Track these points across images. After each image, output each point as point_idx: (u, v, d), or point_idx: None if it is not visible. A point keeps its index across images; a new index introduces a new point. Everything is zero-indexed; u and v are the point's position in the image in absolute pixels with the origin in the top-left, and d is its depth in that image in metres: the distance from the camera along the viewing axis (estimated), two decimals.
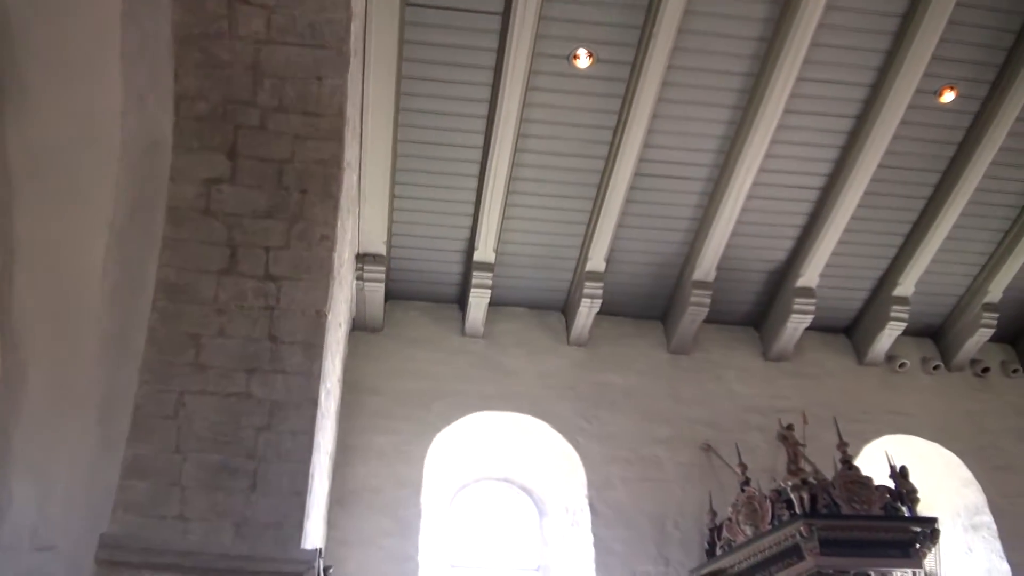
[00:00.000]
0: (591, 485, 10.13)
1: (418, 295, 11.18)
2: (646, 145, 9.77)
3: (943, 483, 11.12)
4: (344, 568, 8.60)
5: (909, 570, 8.58)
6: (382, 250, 10.27)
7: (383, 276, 10.34)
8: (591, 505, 10.00)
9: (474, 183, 10.06)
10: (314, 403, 7.39)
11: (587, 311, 10.81)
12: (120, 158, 7.62)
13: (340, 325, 9.12)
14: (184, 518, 6.70)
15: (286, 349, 7.42)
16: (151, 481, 6.80)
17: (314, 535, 7.67)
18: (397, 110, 9.21)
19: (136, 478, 6.78)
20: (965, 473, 11.24)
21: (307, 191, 7.69)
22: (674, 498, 10.04)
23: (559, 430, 10.44)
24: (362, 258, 10.24)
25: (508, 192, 10.03)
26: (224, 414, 7.18)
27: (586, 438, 10.42)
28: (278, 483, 6.98)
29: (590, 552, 9.72)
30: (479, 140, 9.69)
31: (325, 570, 7.38)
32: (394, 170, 9.76)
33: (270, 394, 7.31)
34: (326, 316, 7.56)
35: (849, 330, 12.01)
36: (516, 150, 9.70)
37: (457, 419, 10.32)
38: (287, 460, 7.10)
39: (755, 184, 10.10)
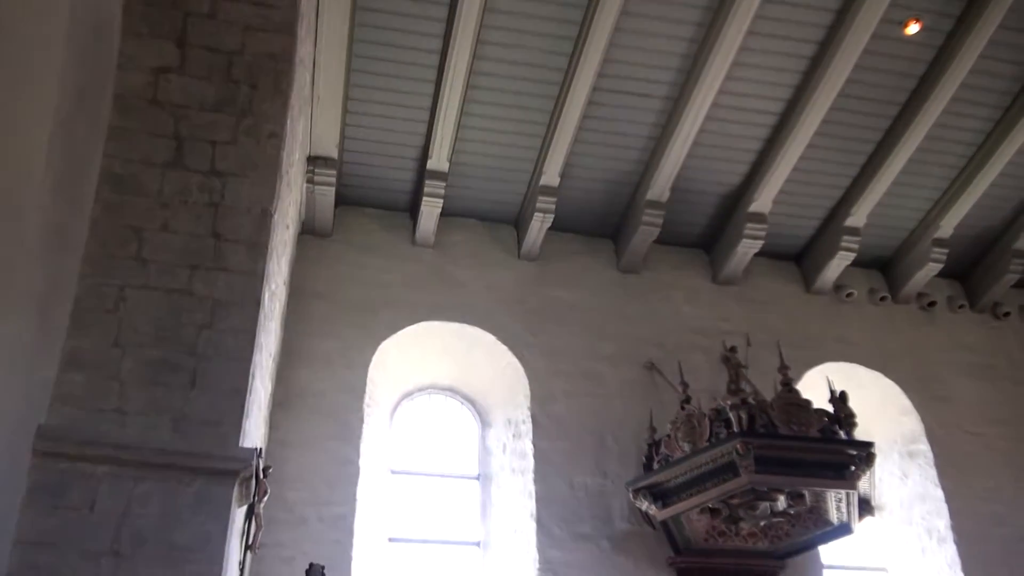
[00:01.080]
0: (534, 398, 10.20)
1: (369, 201, 11.04)
2: (606, 60, 9.64)
3: (882, 411, 11.32)
4: (284, 470, 8.61)
5: (843, 491, 8.81)
6: (334, 154, 10.10)
7: (334, 180, 10.19)
8: (533, 417, 10.08)
9: (431, 89, 9.89)
10: (257, 303, 7.30)
11: (539, 225, 10.77)
12: (67, 38, 7.36)
13: (287, 227, 8.99)
14: (122, 412, 6.64)
15: (230, 247, 7.31)
16: (90, 374, 6.72)
17: (254, 435, 7.65)
18: (354, 8, 8.97)
19: (75, 371, 6.69)
20: (905, 402, 11.45)
21: (257, 86, 7.51)
22: (615, 414, 10.14)
23: (505, 343, 10.46)
24: (313, 161, 10.06)
25: (464, 100, 9.86)
26: (165, 310, 7.10)
27: (531, 352, 10.45)
28: (218, 381, 6.93)
29: (530, 463, 9.83)
30: (437, 44, 9.50)
31: (264, 470, 7.37)
32: (349, 71, 9.56)
33: (213, 292, 7.22)
34: (272, 215, 7.43)
35: (799, 258, 12.08)
36: (475, 57, 9.53)
37: (403, 327, 10.29)
38: (228, 358, 7.03)
39: (714, 105, 10.04)
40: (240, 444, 6.80)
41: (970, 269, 12.46)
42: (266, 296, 7.64)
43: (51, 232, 7.44)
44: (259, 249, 7.35)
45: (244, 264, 7.35)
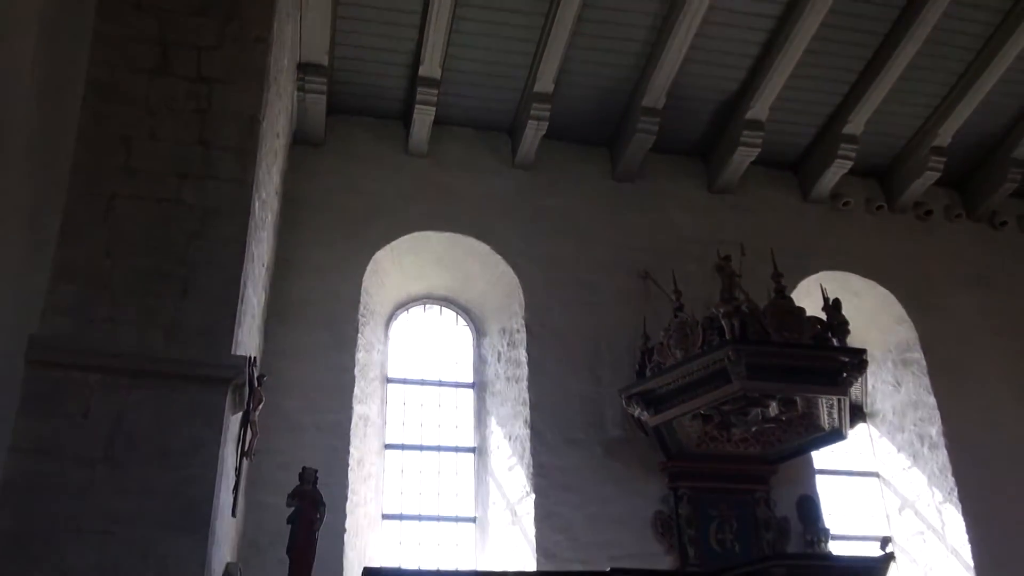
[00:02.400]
0: (529, 307, 10.21)
1: (361, 110, 10.88)
2: None
3: (877, 320, 11.36)
4: (280, 378, 8.63)
5: (834, 398, 8.85)
6: (324, 60, 9.93)
7: (325, 88, 10.04)
8: (527, 326, 10.11)
9: None
10: (247, 212, 7.27)
11: (533, 133, 10.64)
12: None
13: (278, 135, 8.89)
14: (114, 321, 6.66)
15: (218, 155, 7.25)
16: (81, 284, 6.72)
17: (247, 344, 7.67)
18: None
19: (66, 281, 6.70)
20: (899, 311, 11.47)
21: None
22: (609, 322, 10.16)
23: (499, 252, 10.44)
24: (303, 68, 9.90)
25: (456, 4, 9.63)
26: (155, 219, 7.07)
27: (526, 260, 10.43)
28: (209, 290, 6.93)
29: (524, 371, 9.89)
30: None
31: (259, 379, 7.41)
32: None
33: (202, 200, 7.18)
34: (260, 123, 7.34)
35: (795, 166, 11.96)
36: None
37: (397, 237, 10.26)
38: (219, 267, 7.03)
39: (711, 9, 9.80)
40: (232, 352, 6.82)
41: (968, 178, 12.34)
42: (256, 205, 7.59)
43: (39, 143, 7.34)
44: (248, 157, 7.28)
45: (233, 172, 7.30)
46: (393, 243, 10.24)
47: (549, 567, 8.64)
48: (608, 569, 7.61)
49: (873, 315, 11.26)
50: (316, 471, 6.59)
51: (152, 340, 6.64)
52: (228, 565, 6.85)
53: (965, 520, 10.23)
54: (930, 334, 11.30)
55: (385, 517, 9.53)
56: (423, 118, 10.42)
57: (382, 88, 10.67)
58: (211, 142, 7.30)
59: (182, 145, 7.30)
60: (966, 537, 10.17)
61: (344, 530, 8.61)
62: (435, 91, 10.23)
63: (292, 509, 6.40)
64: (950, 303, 11.53)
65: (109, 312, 6.68)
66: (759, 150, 11.03)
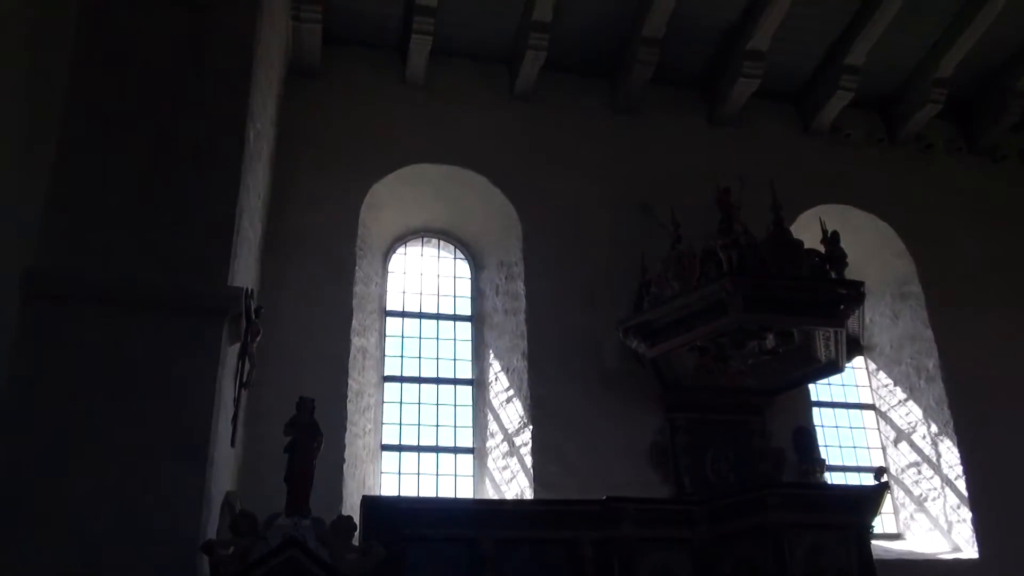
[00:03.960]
0: (527, 240, 10.19)
1: (358, 39, 10.69)
2: None
3: (876, 253, 11.34)
4: (278, 311, 8.62)
5: (831, 330, 8.85)
6: None
7: (320, 17, 9.85)
8: (525, 259, 10.10)
9: None
10: (241, 142, 7.24)
11: (531, 63, 10.51)
12: None
13: (272, 65, 8.78)
14: (109, 253, 6.65)
15: (212, 84, 7.19)
16: (75, 217, 6.71)
17: (244, 276, 7.66)
18: None
19: (60, 213, 6.67)
20: (898, 245, 11.46)
21: None
22: (607, 255, 10.12)
23: (498, 185, 10.38)
24: None
25: None
26: (149, 149, 7.02)
27: (524, 193, 10.38)
28: (204, 221, 6.93)
29: (522, 304, 9.91)
30: None
31: (256, 310, 7.41)
32: None
33: (196, 130, 7.13)
34: (254, 51, 7.26)
35: (797, 98, 11.84)
36: None
37: (394, 170, 10.19)
38: (213, 198, 7.02)
39: None
40: (229, 283, 6.82)
41: (970, 110, 12.21)
42: (251, 135, 7.53)
43: (31, 74, 7.26)
44: (242, 86, 7.23)
45: (227, 102, 7.26)
46: (390, 175, 10.17)
47: (546, 497, 8.72)
48: (604, 498, 7.67)
49: (872, 249, 11.24)
50: (313, 400, 6.60)
51: (148, 271, 6.64)
52: (228, 493, 6.91)
53: (960, 452, 10.33)
54: (929, 268, 11.30)
55: (384, 448, 9.59)
56: (420, 48, 10.28)
57: (378, 17, 10.49)
58: (205, 71, 7.23)
59: (175, 74, 7.24)
60: (961, 468, 10.28)
61: (343, 461, 8.70)
62: (432, 20, 10.07)
63: (290, 439, 6.43)
64: (949, 237, 11.51)
65: (104, 244, 6.68)
66: (760, 81, 10.90)
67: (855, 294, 8.74)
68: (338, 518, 6.09)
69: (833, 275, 8.79)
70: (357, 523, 6.39)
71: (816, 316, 8.68)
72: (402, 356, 10.12)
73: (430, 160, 10.37)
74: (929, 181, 11.89)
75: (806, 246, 8.97)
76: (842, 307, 8.72)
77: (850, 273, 9.01)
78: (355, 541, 6.25)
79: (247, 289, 7.10)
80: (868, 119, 12.01)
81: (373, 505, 7.41)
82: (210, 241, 6.85)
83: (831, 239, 8.96)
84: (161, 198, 6.90)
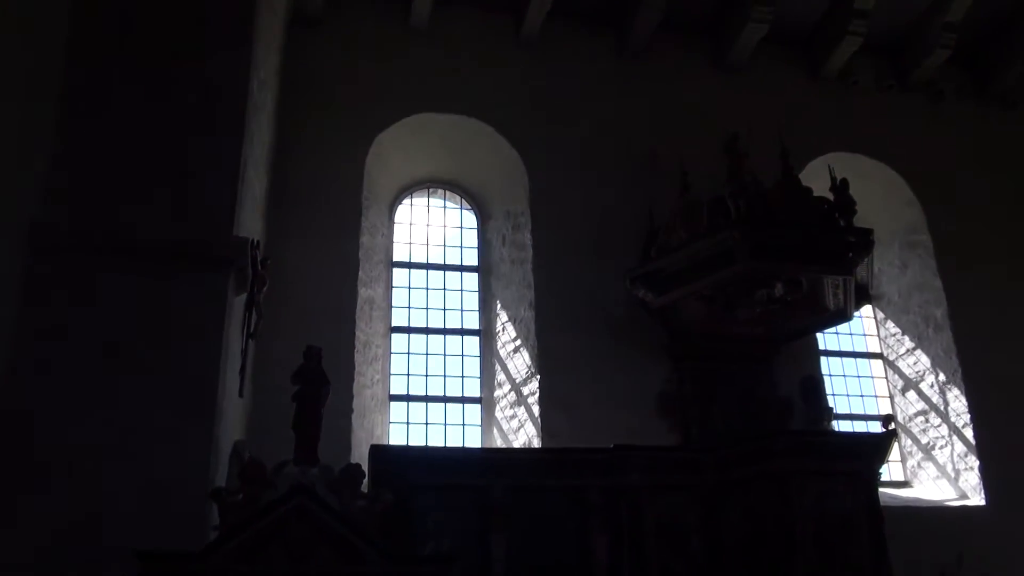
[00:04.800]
0: (533, 189, 10.13)
1: None
2: None
3: (884, 202, 11.27)
4: (284, 263, 8.63)
5: (839, 278, 8.81)
6: None
7: None
8: (532, 209, 10.06)
9: None
10: (245, 91, 7.21)
11: (537, 9, 10.37)
12: None
13: (275, 13, 8.69)
14: (114, 204, 6.64)
15: (213, 32, 7.13)
16: (80, 169, 6.69)
17: (250, 227, 7.64)
18: None
19: (65, 166, 6.65)
20: (907, 193, 11.38)
21: None
22: (614, 204, 10.07)
23: (504, 134, 10.30)
24: None
25: None
26: (153, 99, 7.00)
27: (530, 143, 10.30)
28: (209, 171, 6.90)
29: (529, 254, 9.89)
30: None
31: (262, 262, 7.41)
32: None
33: (199, 79, 7.10)
34: None
35: (805, 43, 11.68)
36: None
37: (399, 120, 10.11)
38: (218, 148, 7.00)
39: None
40: (234, 234, 6.80)
41: (980, 56, 12.04)
42: (255, 84, 7.48)
43: (37, 22, 7.18)
44: (244, 34, 7.16)
45: (230, 51, 7.19)
46: (395, 125, 10.10)
47: (554, 446, 8.74)
48: (612, 446, 7.69)
49: (881, 197, 11.16)
50: (320, 349, 6.61)
51: (153, 223, 6.62)
52: (236, 443, 6.95)
53: (968, 400, 10.34)
54: (938, 216, 11.24)
55: (392, 398, 9.63)
56: None
57: None
58: (208, 19, 7.17)
59: (178, 24, 7.18)
60: (969, 417, 10.30)
61: (351, 411, 8.73)
62: None
63: (297, 387, 6.44)
64: (958, 185, 11.43)
65: (109, 196, 6.67)
66: (769, 26, 10.76)
67: (864, 242, 8.68)
68: (347, 466, 6.12)
69: (842, 223, 8.72)
70: (366, 472, 6.43)
71: (824, 264, 8.63)
72: (409, 307, 10.13)
73: (435, 109, 10.29)
74: (939, 128, 11.77)
75: (815, 194, 8.90)
76: (851, 255, 8.67)
77: (859, 222, 8.94)
78: (364, 489, 6.30)
79: (253, 240, 7.08)
80: (877, 65, 11.85)
81: (381, 454, 7.43)
82: (215, 192, 6.83)
83: (840, 187, 8.88)
84: (165, 149, 6.88)
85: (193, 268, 6.56)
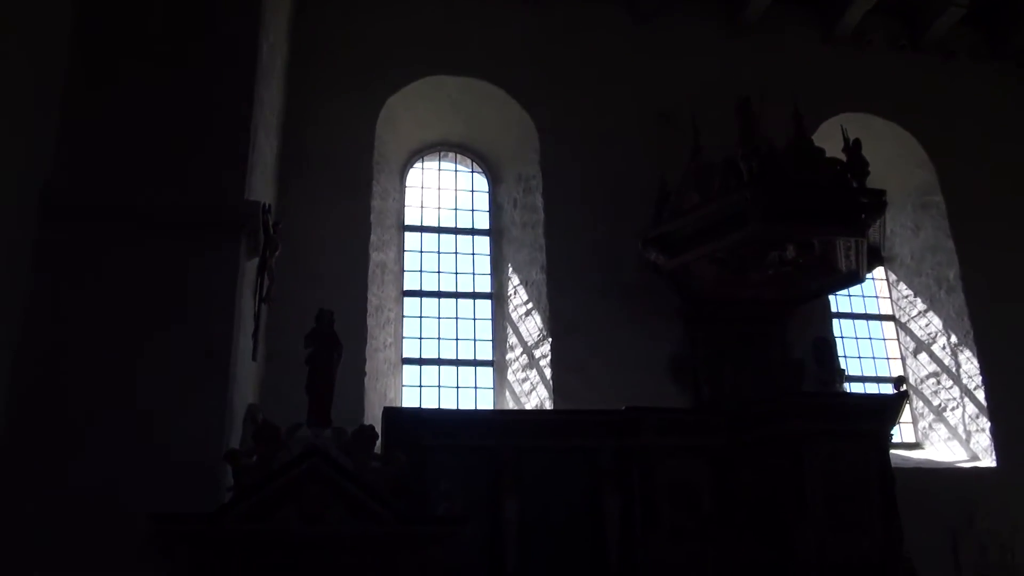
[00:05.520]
0: (545, 152, 10.10)
1: None
2: None
3: (898, 163, 11.19)
4: (296, 227, 8.59)
5: (852, 239, 8.77)
6: None
7: None
8: (544, 172, 10.03)
9: None
10: (254, 55, 7.20)
11: None
12: None
13: None
14: (125, 170, 6.66)
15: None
16: (91, 135, 6.71)
17: (261, 192, 7.65)
18: None
19: (76, 132, 6.67)
20: (921, 154, 11.31)
21: None
22: (626, 166, 10.01)
23: (515, 96, 10.26)
24: None
25: None
26: (162, 64, 7.01)
27: (542, 105, 10.25)
28: (220, 135, 6.91)
29: (541, 217, 9.87)
30: None
31: (274, 226, 7.42)
32: None
33: (208, 45, 7.10)
34: None
35: (818, 3, 11.52)
36: None
37: (409, 83, 10.07)
38: (228, 113, 7.01)
39: None
40: (245, 198, 6.81)
41: (994, 15, 11.86)
42: (264, 48, 7.46)
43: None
44: None
45: (239, 15, 7.17)
46: (405, 88, 10.06)
47: (566, 408, 8.77)
48: (623, 408, 7.72)
49: (894, 158, 11.09)
50: (332, 312, 6.63)
51: (164, 188, 6.64)
52: (250, 407, 6.99)
53: (980, 362, 10.34)
54: (951, 177, 11.17)
55: (404, 362, 9.67)
56: None
57: None
58: None
59: None
60: (980, 379, 10.30)
61: (364, 374, 8.78)
62: None
63: (310, 350, 6.48)
64: (972, 146, 11.33)
65: (120, 161, 6.69)
66: None
67: (876, 203, 8.63)
68: (360, 428, 6.16)
69: (854, 184, 8.66)
70: (379, 434, 6.47)
71: (837, 225, 8.58)
72: (421, 271, 10.14)
73: (446, 72, 10.24)
74: (952, 88, 11.66)
75: (827, 155, 8.84)
76: (863, 216, 8.62)
77: (871, 183, 8.87)
78: (377, 451, 6.35)
79: (264, 204, 7.09)
80: (890, 25, 11.71)
81: (394, 416, 7.48)
82: (226, 156, 6.84)
83: (853, 147, 8.80)
84: (176, 114, 6.88)
85: (205, 233, 6.58)
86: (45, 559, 5.56)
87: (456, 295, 10.10)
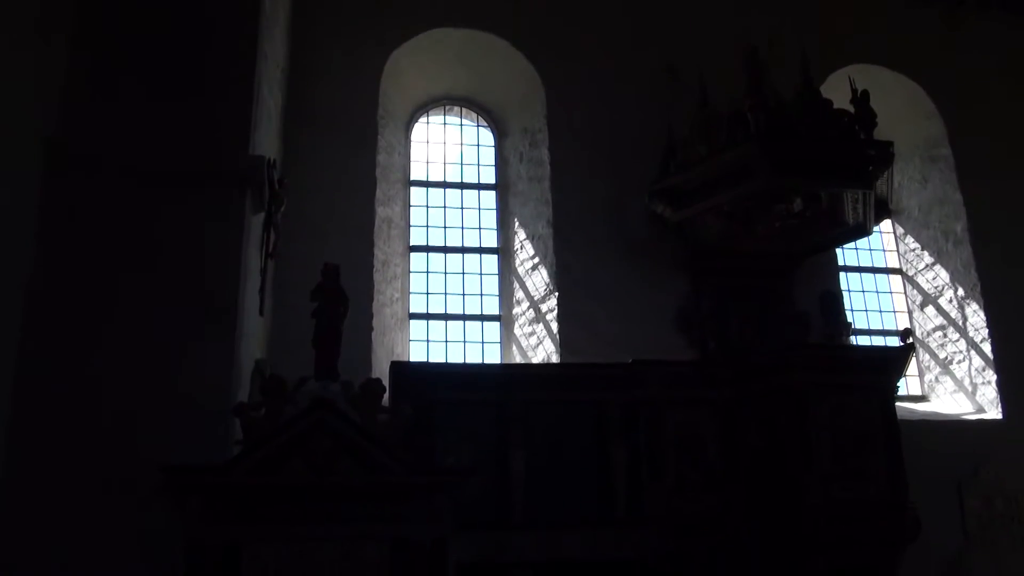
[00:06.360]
0: (551, 105, 10.03)
1: None
2: None
3: (906, 115, 11.13)
4: (301, 183, 8.58)
5: (859, 192, 8.74)
6: None
7: None
8: (550, 125, 9.97)
9: None
10: (257, 7, 7.14)
11: None
12: None
13: None
14: (130, 123, 6.65)
15: None
16: (96, 89, 6.68)
17: (266, 146, 7.63)
18: None
19: (80, 87, 6.66)
20: (929, 106, 11.24)
21: None
22: (633, 119, 9.92)
23: (520, 48, 10.16)
24: None
25: None
26: (167, 19, 6.97)
27: (547, 57, 10.15)
28: (223, 89, 6.88)
29: (547, 171, 9.82)
30: None
31: (279, 181, 7.41)
32: None
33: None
34: None
35: None
36: None
37: (414, 36, 9.97)
38: (232, 66, 6.97)
39: None
40: (249, 152, 6.80)
41: None
42: (267, 1, 7.40)
43: None
44: None
45: None
46: (410, 42, 9.96)
47: (572, 362, 8.80)
48: (630, 360, 7.74)
49: (902, 110, 11.03)
50: (338, 266, 6.63)
51: (169, 142, 6.62)
52: (257, 361, 7.03)
53: (987, 315, 10.34)
54: (959, 129, 11.12)
55: (411, 317, 9.68)
56: None
57: None
58: None
59: None
60: (987, 331, 10.30)
61: (371, 329, 8.80)
62: None
63: (316, 304, 6.48)
64: (981, 97, 11.26)
65: (124, 116, 6.66)
66: None
67: (884, 155, 8.61)
68: (367, 381, 6.16)
69: (862, 136, 8.62)
70: (386, 388, 6.48)
71: (844, 177, 8.55)
72: (427, 226, 10.12)
73: (451, 24, 10.13)
74: (961, 39, 11.53)
75: (835, 107, 8.78)
76: (871, 168, 8.60)
77: (879, 135, 8.83)
78: (385, 405, 6.36)
79: (269, 158, 7.07)
80: None
81: (401, 370, 7.51)
82: (230, 109, 6.82)
83: (860, 99, 8.75)
84: (179, 68, 6.85)
85: (209, 188, 6.58)
86: (60, 501, 5.68)
87: (462, 250, 10.08)
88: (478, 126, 10.73)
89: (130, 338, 6.12)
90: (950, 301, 10.68)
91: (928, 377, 10.59)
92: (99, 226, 6.38)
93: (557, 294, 9.34)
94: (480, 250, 10.14)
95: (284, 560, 5.34)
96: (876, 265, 11.12)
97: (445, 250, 10.04)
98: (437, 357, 9.49)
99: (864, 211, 8.96)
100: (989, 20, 11.75)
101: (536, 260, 9.70)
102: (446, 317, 9.74)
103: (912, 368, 10.16)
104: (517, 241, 10.00)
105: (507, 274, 10.00)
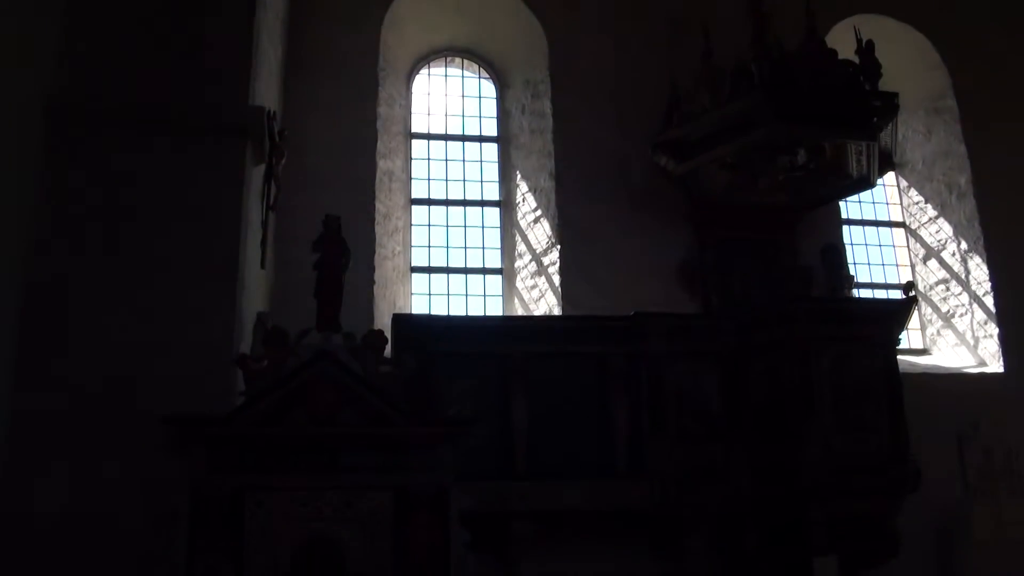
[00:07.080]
0: (553, 56, 9.94)
1: None
2: None
3: (911, 66, 10.99)
4: (302, 135, 8.53)
5: (863, 143, 8.67)
6: None
7: None
8: (552, 76, 9.88)
9: None
10: None
11: None
12: None
13: None
14: (130, 74, 6.67)
15: None
16: (94, 40, 6.68)
17: (266, 97, 7.59)
18: None
19: (78, 38, 6.63)
20: (934, 57, 11.11)
21: None
22: (636, 71, 9.83)
23: None
24: None
25: None
26: None
27: (550, 7, 10.05)
28: (222, 39, 6.84)
29: (549, 123, 9.76)
30: None
31: (280, 133, 7.37)
32: None
33: None
34: None
35: None
36: None
37: None
38: (230, 15, 6.96)
39: None
40: (249, 103, 6.76)
41: None
42: None
43: None
44: None
45: None
46: None
47: (574, 314, 8.79)
48: (632, 313, 7.73)
49: (906, 61, 10.88)
50: (339, 218, 6.58)
51: (168, 91, 6.59)
52: (259, 314, 7.02)
53: (990, 268, 10.30)
54: (964, 81, 10.99)
55: (413, 270, 9.67)
56: None
57: None
58: None
59: None
60: (990, 285, 10.27)
61: (373, 282, 8.81)
62: None
63: (318, 256, 6.46)
64: (986, 49, 11.11)
65: (123, 67, 6.64)
66: None
67: (889, 106, 8.53)
68: (369, 332, 6.15)
69: (867, 87, 8.53)
70: (388, 340, 6.49)
71: (848, 129, 8.47)
72: (429, 178, 10.07)
73: None
74: None
75: (840, 57, 8.69)
76: (875, 120, 8.53)
77: (884, 86, 8.72)
78: (387, 357, 6.38)
79: (269, 109, 7.03)
80: None
81: (403, 322, 7.52)
82: (229, 60, 6.78)
83: (865, 49, 8.63)
84: (178, 18, 6.80)
85: (209, 139, 6.58)
86: (63, 451, 5.74)
87: (464, 203, 10.05)
88: (480, 78, 10.63)
89: (131, 287, 6.14)
90: (953, 255, 10.65)
91: (930, 331, 10.58)
92: (100, 180, 6.37)
93: (559, 247, 9.32)
94: (482, 203, 10.10)
95: (287, 508, 5.38)
96: (879, 219, 11.07)
97: (447, 203, 10.00)
98: (439, 310, 9.49)
99: (868, 163, 8.88)
100: None
101: (538, 213, 9.66)
102: (448, 270, 9.74)
103: (914, 321, 10.13)
104: (519, 194, 9.96)
105: (509, 227, 9.96)
